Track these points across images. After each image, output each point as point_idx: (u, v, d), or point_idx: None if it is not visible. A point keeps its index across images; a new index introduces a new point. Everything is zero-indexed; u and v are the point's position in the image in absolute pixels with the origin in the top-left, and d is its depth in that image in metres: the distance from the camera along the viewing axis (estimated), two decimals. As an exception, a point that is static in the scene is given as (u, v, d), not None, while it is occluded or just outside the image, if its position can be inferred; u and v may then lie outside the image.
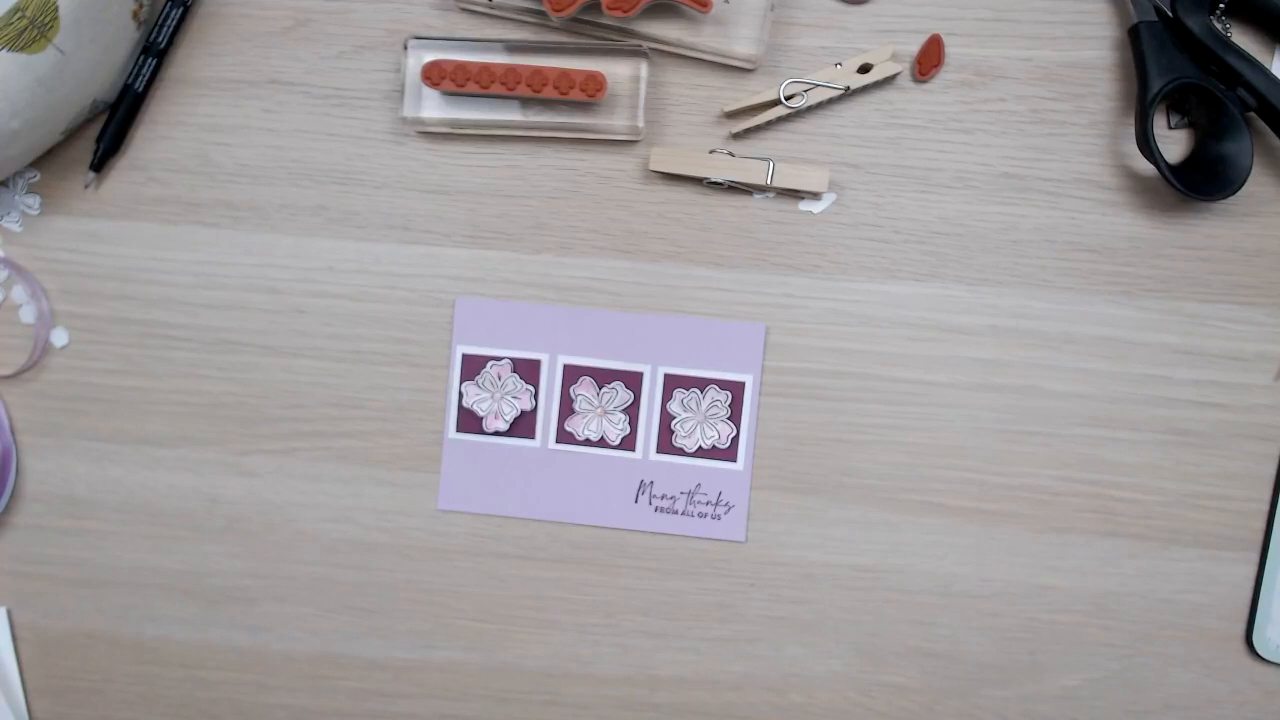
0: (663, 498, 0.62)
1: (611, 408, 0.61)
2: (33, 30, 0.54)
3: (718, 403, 0.61)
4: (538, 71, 0.58)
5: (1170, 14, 0.57)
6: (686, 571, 0.62)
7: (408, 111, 0.60)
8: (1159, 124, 0.59)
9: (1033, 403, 0.60)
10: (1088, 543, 0.61)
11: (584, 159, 0.61)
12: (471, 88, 0.59)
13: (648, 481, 0.62)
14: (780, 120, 0.60)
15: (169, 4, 0.61)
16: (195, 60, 0.62)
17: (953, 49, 0.60)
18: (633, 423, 0.62)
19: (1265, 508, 0.60)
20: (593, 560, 0.62)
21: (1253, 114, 0.57)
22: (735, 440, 0.61)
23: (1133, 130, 0.59)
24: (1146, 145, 0.56)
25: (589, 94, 0.58)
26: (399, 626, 0.63)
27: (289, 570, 0.64)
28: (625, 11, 0.57)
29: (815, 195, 0.60)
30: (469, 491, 0.62)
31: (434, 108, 0.60)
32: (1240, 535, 0.60)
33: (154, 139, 0.62)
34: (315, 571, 0.63)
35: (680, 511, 0.62)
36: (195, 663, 0.65)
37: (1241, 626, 0.60)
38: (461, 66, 0.59)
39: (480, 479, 0.62)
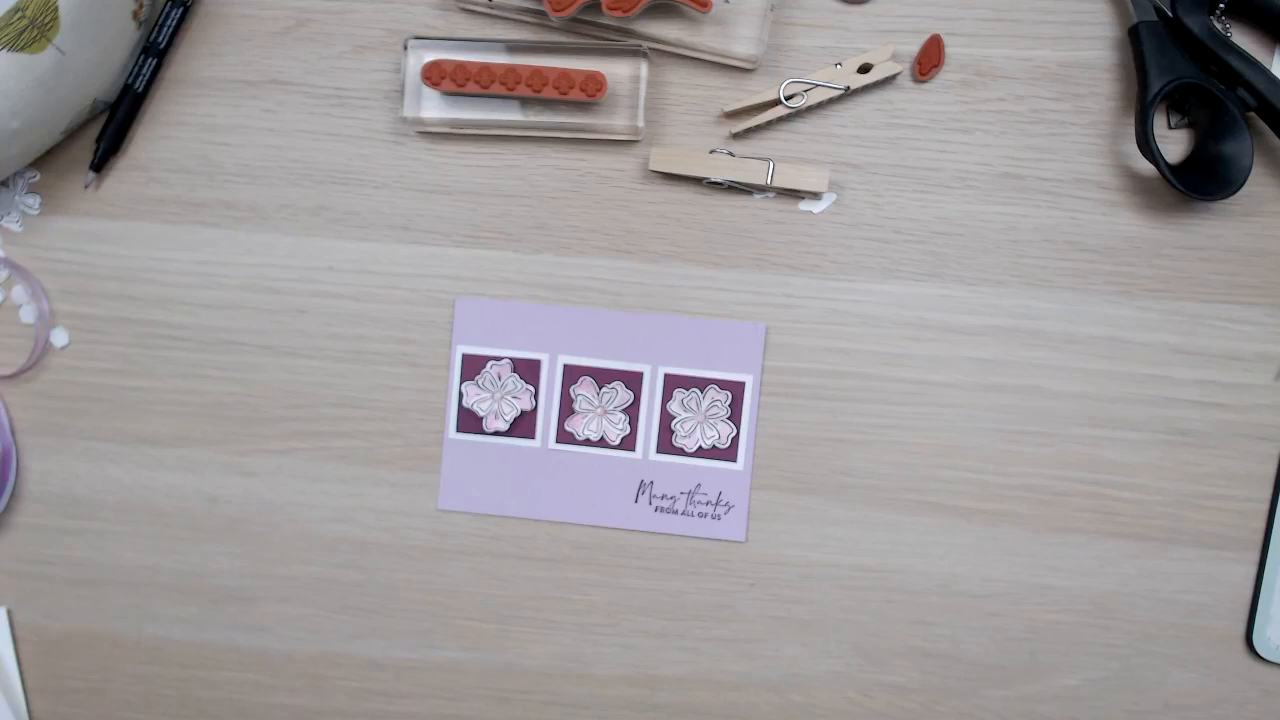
0: (663, 498, 0.62)
1: (611, 408, 0.61)
2: (33, 30, 0.54)
3: (718, 403, 0.61)
4: (538, 71, 0.58)
5: (1170, 14, 0.57)
6: (686, 571, 0.62)
7: (408, 111, 0.60)
8: (1159, 124, 0.59)
9: (1033, 403, 0.60)
10: (1088, 543, 0.61)
11: (584, 159, 0.61)
12: (471, 88, 0.59)
13: (648, 481, 0.62)
14: (780, 120, 0.60)
15: (169, 4, 0.61)
16: (195, 60, 0.62)
17: (953, 49, 0.60)
18: (633, 423, 0.62)
19: (1265, 508, 0.60)
20: (593, 560, 0.62)
21: (1253, 114, 0.57)
22: (735, 440, 0.61)
23: (1133, 130, 0.59)
24: (1146, 145, 0.56)
25: (589, 94, 0.58)
26: (399, 626, 0.63)
27: (289, 570, 0.64)
28: (625, 11, 0.57)
29: (815, 195, 0.60)
30: (469, 491, 0.62)
31: (434, 108, 0.60)
32: (1240, 535, 0.60)
33: (154, 139, 0.62)
34: (315, 571, 0.63)
35: (680, 511, 0.62)
36: (195, 663, 0.65)
37: (1241, 626, 0.60)
38: (461, 66, 0.59)
39: (480, 479, 0.62)
